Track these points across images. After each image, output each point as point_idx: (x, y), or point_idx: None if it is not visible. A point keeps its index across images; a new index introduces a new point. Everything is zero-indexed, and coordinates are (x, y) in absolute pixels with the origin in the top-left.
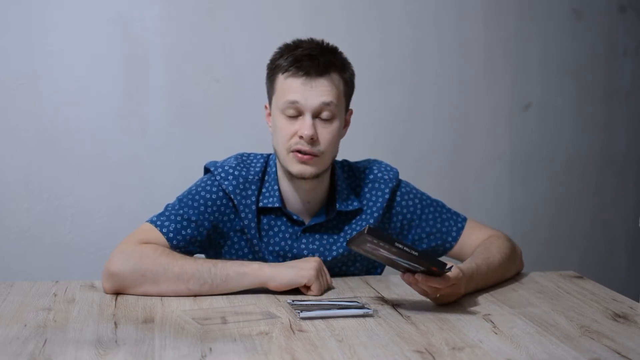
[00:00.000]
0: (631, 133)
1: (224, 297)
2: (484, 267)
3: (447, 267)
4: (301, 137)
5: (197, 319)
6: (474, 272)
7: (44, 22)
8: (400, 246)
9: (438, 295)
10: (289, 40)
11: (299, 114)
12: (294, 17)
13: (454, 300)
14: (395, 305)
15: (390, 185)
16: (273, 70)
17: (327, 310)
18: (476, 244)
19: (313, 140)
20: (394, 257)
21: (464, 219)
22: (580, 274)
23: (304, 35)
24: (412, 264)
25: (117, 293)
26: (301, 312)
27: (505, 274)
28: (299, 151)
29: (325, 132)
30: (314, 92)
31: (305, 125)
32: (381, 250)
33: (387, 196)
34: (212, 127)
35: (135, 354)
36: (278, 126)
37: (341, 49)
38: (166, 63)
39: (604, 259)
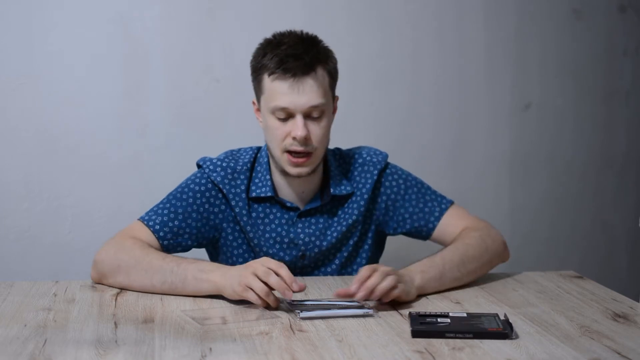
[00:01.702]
0: (631, 133)
1: (224, 297)
2: (437, 259)
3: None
4: (294, 138)
5: (197, 319)
6: (419, 265)
7: (44, 22)
8: (453, 335)
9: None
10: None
11: (289, 116)
12: (294, 17)
13: (407, 293)
14: (395, 305)
15: (378, 167)
16: (258, 70)
17: (327, 310)
18: (455, 232)
19: (306, 139)
20: None
21: (449, 202)
22: (580, 274)
23: None
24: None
25: (100, 283)
26: (301, 312)
27: (476, 263)
28: (293, 152)
29: (316, 129)
30: (302, 95)
31: (297, 127)
32: None
33: (375, 177)
34: (212, 127)
35: (135, 354)
36: (270, 126)
37: (341, 49)
38: (166, 63)
39: (604, 259)
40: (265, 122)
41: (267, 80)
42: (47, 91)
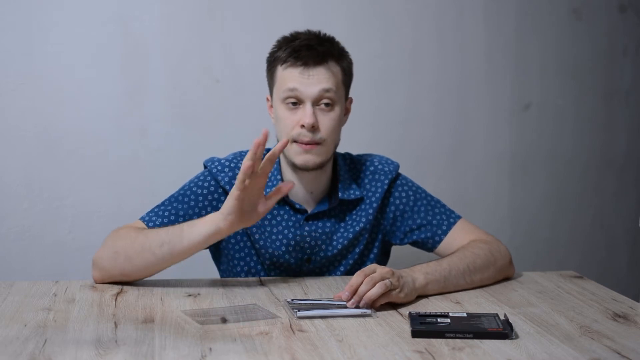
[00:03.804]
0: (631, 133)
1: (224, 297)
2: (444, 263)
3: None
4: (302, 126)
5: (197, 319)
6: (425, 266)
7: (44, 22)
8: (453, 335)
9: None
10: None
11: (299, 103)
12: (294, 17)
13: (405, 294)
14: (395, 305)
15: (389, 176)
16: (272, 63)
17: (325, 310)
18: (461, 245)
19: (314, 129)
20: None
21: (458, 217)
22: (580, 274)
23: None
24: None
25: (103, 281)
26: (298, 311)
27: (480, 275)
28: (301, 142)
29: (326, 120)
30: (312, 80)
31: (306, 114)
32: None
33: (385, 187)
34: (212, 127)
35: (135, 354)
36: (280, 117)
37: None
38: (166, 63)
39: (604, 259)
40: (276, 113)
41: (280, 70)
42: (47, 91)
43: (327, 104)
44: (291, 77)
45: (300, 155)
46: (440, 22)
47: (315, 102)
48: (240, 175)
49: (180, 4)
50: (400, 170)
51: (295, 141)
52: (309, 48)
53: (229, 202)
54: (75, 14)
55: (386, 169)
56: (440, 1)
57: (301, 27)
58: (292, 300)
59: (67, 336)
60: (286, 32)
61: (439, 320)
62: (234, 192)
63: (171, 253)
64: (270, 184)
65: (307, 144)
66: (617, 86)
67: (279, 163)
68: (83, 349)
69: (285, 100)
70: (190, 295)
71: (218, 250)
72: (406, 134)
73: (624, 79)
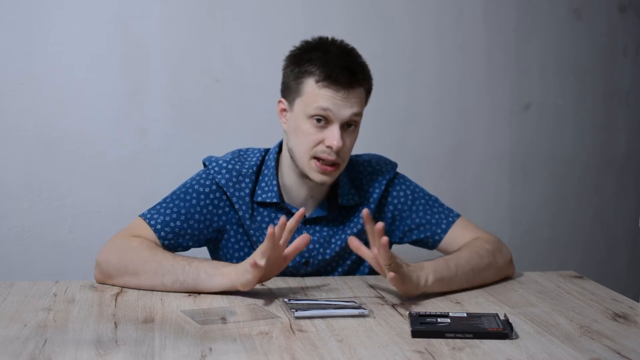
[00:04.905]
0: (631, 133)
1: (224, 297)
2: (452, 264)
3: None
4: (328, 147)
5: (197, 319)
6: (432, 265)
7: (44, 22)
8: (453, 335)
9: (389, 270)
10: (290, 38)
11: (327, 122)
12: (294, 17)
13: (411, 291)
14: (395, 305)
15: (387, 177)
16: (302, 73)
17: (322, 310)
18: (463, 243)
19: (338, 151)
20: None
21: (457, 215)
22: (580, 274)
23: (303, 35)
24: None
25: (104, 282)
26: (296, 311)
27: (481, 276)
28: (322, 160)
29: (348, 141)
30: (347, 103)
31: (334, 136)
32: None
33: (382, 187)
34: (212, 127)
35: (135, 354)
36: (303, 131)
37: None
38: (166, 63)
39: (604, 259)
40: (298, 125)
41: (313, 85)
42: (47, 91)
43: (352, 126)
44: (325, 96)
45: (318, 175)
46: (440, 22)
47: (342, 125)
48: (264, 247)
49: (180, 4)
50: (400, 170)
51: (315, 157)
52: (345, 69)
53: (251, 274)
54: (75, 14)
55: (384, 169)
56: (440, 1)
57: (301, 28)
58: (289, 300)
59: (67, 336)
60: (286, 32)
61: (439, 320)
62: (256, 265)
63: (181, 289)
64: (266, 188)
65: (328, 165)
66: (617, 86)
67: (275, 168)
68: (83, 349)
69: (314, 117)
70: (190, 295)
71: (217, 250)
72: (406, 134)
73: (624, 79)
